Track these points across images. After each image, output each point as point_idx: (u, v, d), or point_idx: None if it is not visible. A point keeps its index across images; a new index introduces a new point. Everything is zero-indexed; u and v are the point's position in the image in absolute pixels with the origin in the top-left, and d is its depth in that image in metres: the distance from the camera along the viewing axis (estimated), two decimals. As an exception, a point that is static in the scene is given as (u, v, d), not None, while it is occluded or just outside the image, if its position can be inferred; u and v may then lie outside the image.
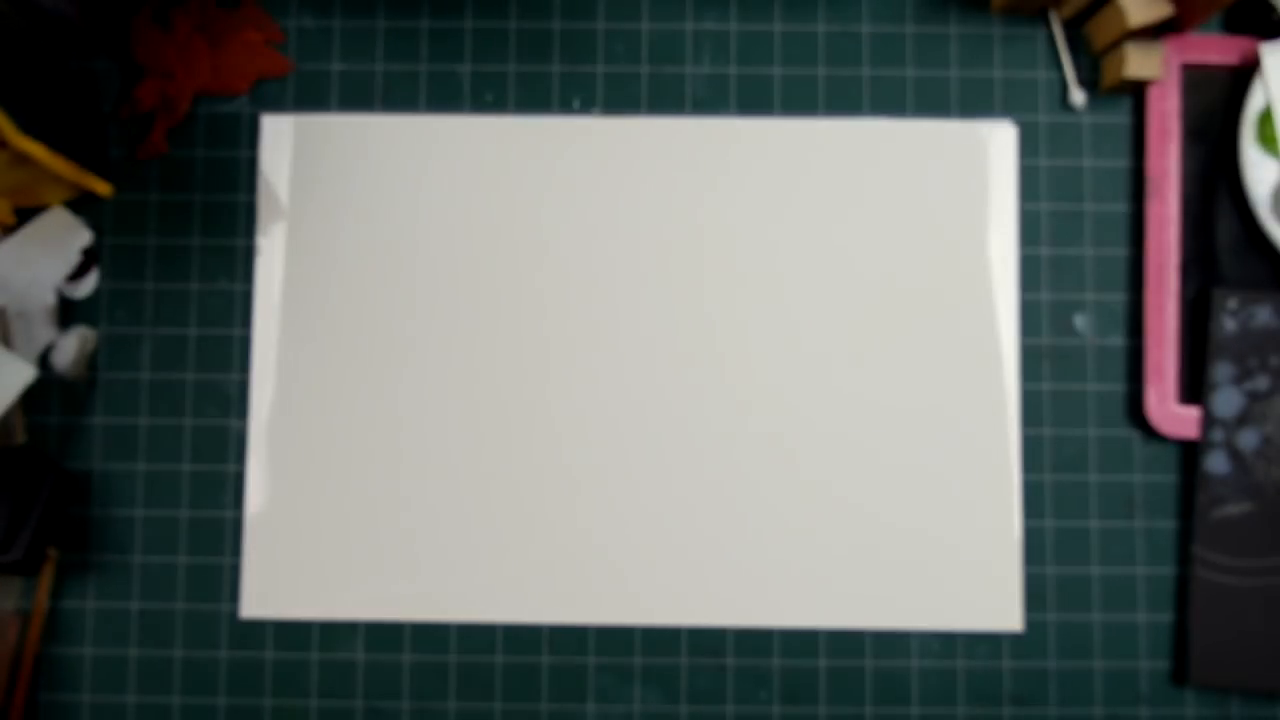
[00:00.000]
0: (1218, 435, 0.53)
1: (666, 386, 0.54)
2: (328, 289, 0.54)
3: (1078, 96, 0.55)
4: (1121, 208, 0.55)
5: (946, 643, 0.53)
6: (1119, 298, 0.55)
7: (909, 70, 0.55)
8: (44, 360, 0.54)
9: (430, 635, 0.54)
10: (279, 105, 0.56)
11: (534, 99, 0.56)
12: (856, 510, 0.53)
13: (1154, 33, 0.53)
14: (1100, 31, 0.54)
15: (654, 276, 0.54)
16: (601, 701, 0.53)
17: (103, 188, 0.54)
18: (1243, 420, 0.53)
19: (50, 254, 0.54)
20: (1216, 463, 0.53)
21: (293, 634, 0.54)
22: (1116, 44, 0.53)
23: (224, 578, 0.54)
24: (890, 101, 0.55)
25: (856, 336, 0.54)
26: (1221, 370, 0.53)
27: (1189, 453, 0.54)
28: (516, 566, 0.53)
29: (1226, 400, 0.53)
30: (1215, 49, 0.54)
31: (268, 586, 0.53)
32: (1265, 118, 0.53)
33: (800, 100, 0.55)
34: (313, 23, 0.56)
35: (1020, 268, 0.55)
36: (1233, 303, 0.53)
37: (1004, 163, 0.55)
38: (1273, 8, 0.54)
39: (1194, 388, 0.54)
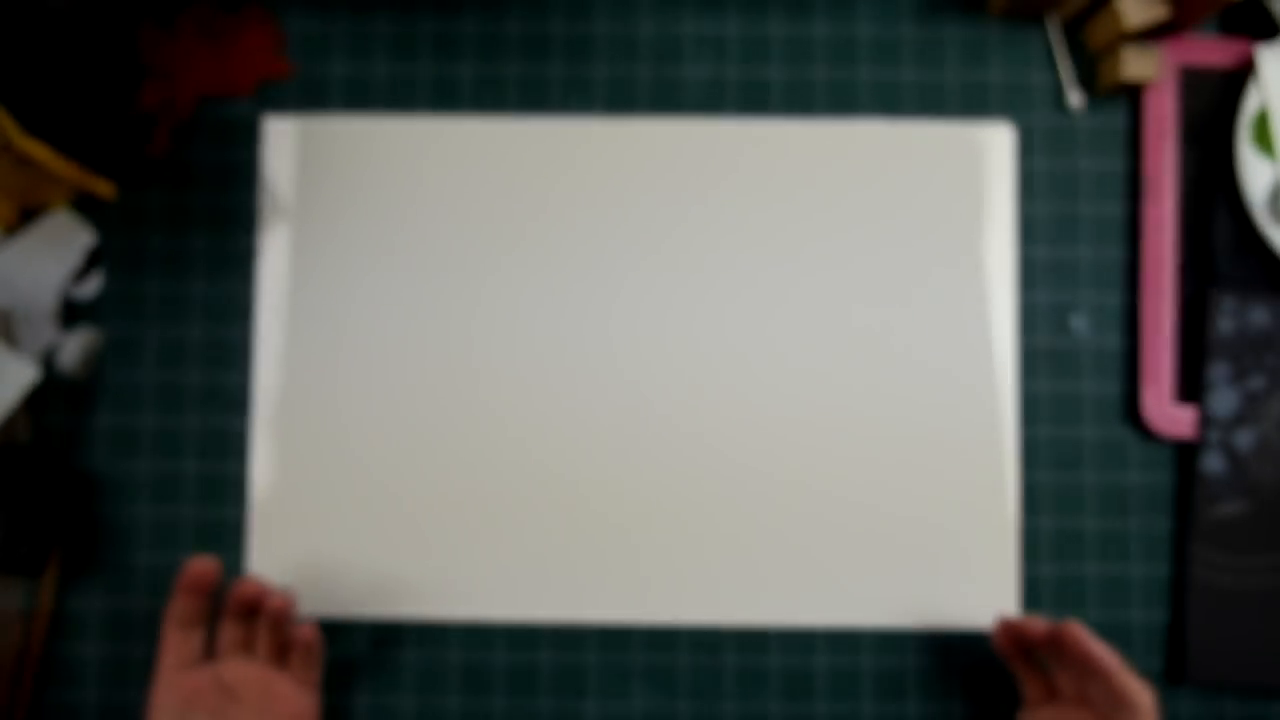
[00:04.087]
0: (1214, 435, 0.53)
1: (666, 386, 0.54)
2: (330, 290, 0.55)
3: (1075, 98, 0.55)
4: (1118, 209, 0.55)
5: (946, 642, 0.54)
6: (1116, 298, 0.55)
7: (907, 72, 0.56)
8: (48, 361, 0.54)
9: (430, 635, 0.54)
10: (282, 107, 0.56)
11: (534, 100, 0.56)
12: (855, 510, 0.54)
13: (1151, 35, 0.53)
14: (1097, 33, 0.54)
15: (654, 277, 0.55)
16: (601, 701, 0.54)
17: (106, 189, 0.54)
18: (1239, 420, 0.53)
19: (54, 255, 0.54)
20: (1213, 462, 0.53)
21: (295, 633, 0.54)
22: (1113, 46, 0.54)
23: (227, 577, 0.54)
24: (888, 103, 0.56)
25: (855, 337, 0.54)
26: (1218, 370, 0.53)
27: (1185, 452, 0.54)
28: (516, 566, 0.54)
29: (1223, 400, 0.53)
30: (1212, 51, 0.54)
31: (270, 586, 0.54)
32: (1261, 119, 0.53)
33: (799, 102, 0.56)
34: (315, 25, 0.56)
35: (1018, 269, 0.55)
36: (1229, 303, 0.53)
37: (1001, 164, 0.55)
38: (1268, 10, 0.54)
39: (1190, 388, 0.54)
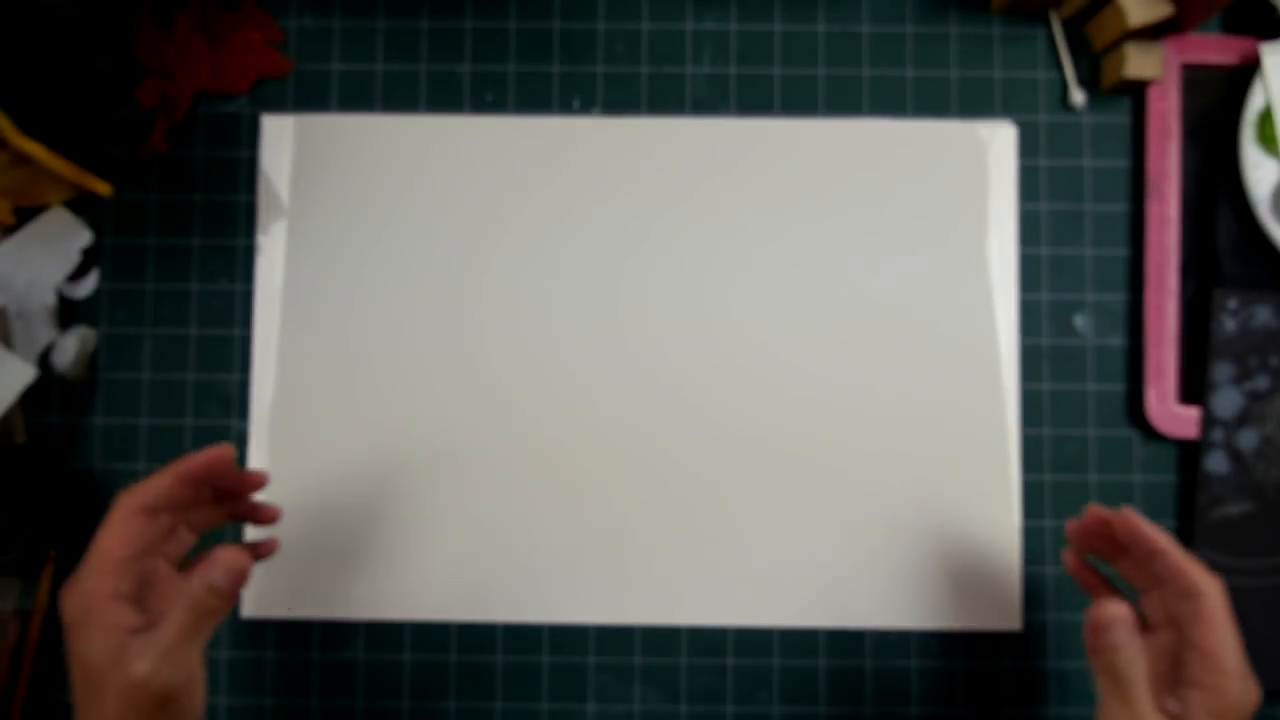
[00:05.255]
0: (1217, 435, 0.53)
1: (666, 386, 0.54)
2: (328, 289, 0.54)
3: (1078, 96, 0.55)
4: (1121, 208, 0.55)
5: (946, 643, 0.54)
6: (1119, 298, 0.55)
7: (909, 70, 0.55)
8: (44, 360, 0.54)
9: (430, 635, 0.54)
10: (279, 105, 0.56)
11: (534, 99, 0.56)
12: (856, 510, 0.53)
13: (1154, 33, 0.53)
14: (1100, 31, 0.54)
15: (654, 276, 0.54)
16: (601, 701, 0.53)
17: (103, 188, 0.54)
18: (1242, 420, 0.53)
19: (50, 254, 0.54)
20: (1216, 463, 0.53)
21: (293, 634, 0.54)
22: (1116, 44, 0.53)
23: (224, 578, 0.54)
24: (890, 102, 0.55)
25: (856, 336, 0.54)
26: (1221, 370, 0.53)
27: (1189, 453, 0.54)
28: (517, 566, 0.53)
29: (1226, 400, 0.53)
30: (1215, 49, 0.54)
31: (268, 586, 0.53)
32: (1265, 118, 0.53)
33: (800, 100, 0.55)
34: (313, 23, 0.56)
35: (1020, 268, 0.55)
36: (1233, 302, 0.53)
37: (1004, 163, 0.55)
38: (1273, 8, 0.54)
39: (1194, 388, 0.54)
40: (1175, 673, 0.40)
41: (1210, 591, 0.40)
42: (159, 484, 0.41)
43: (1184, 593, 0.40)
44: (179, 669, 0.39)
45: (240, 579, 0.41)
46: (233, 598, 0.41)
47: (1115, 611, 0.41)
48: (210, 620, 0.41)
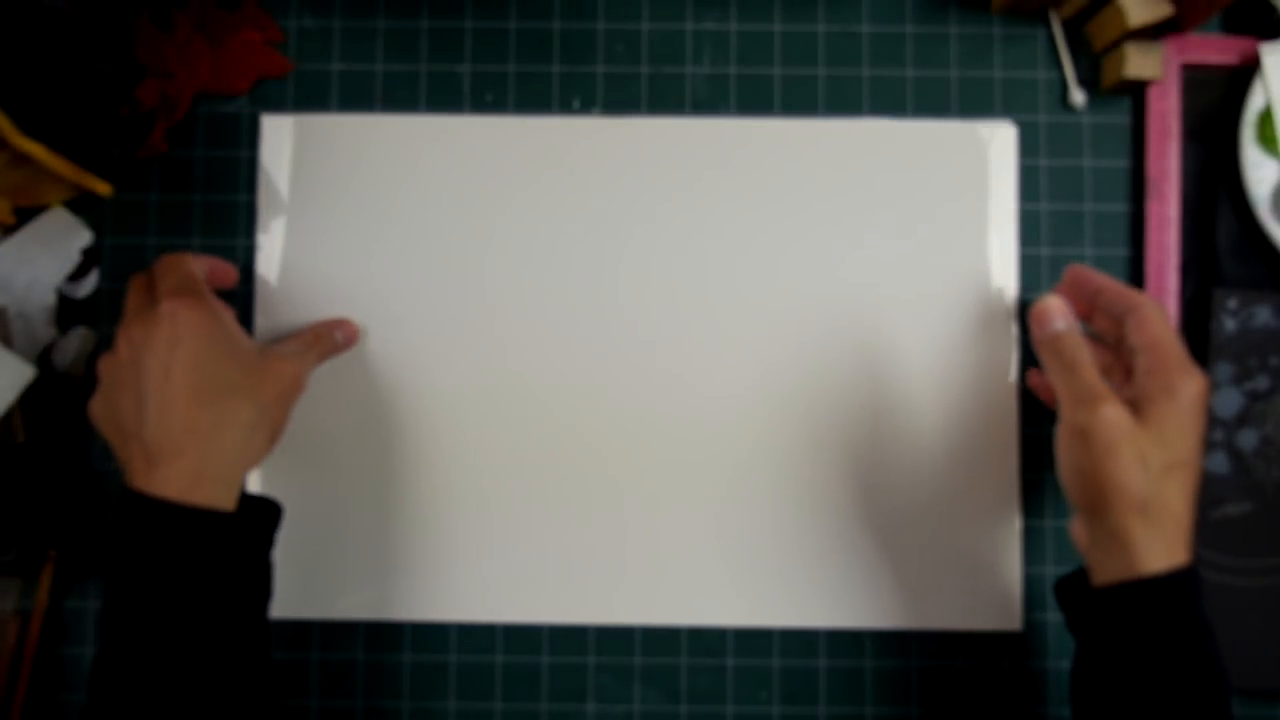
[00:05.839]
0: (1217, 435, 0.53)
1: (666, 386, 0.54)
2: (328, 289, 0.54)
3: (1078, 96, 0.55)
4: (1121, 208, 0.55)
5: (946, 643, 0.53)
6: (1119, 298, 0.55)
7: (909, 70, 0.55)
8: (44, 360, 0.54)
9: (430, 635, 0.54)
10: (279, 105, 0.56)
11: (534, 99, 0.56)
12: (856, 510, 0.53)
13: (1154, 33, 0.53)
14: (1100, 31, 0.54)
15: (654, 276, 0.54)
16: (601, 701, 0.53)
17: (103, 188, 0.54)
18: (1242, 420, 0.53)
19: (50, 254, 0.54)
20: (1216, 463, 0.53)
21: (293, 634, 0.54)
22: (1116, 44, 0.53)
23: (224, 577, 0.54)
24: (890, 101, 0.55)
25: (856, 336, 0.54)
26: (1221, 370, 0.53)
27: (1189, 453, 0.54)
28: (516, 566, 0.53)
29: (1226, 400, 0.53)
30: (1215, 49, 0.54)
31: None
32: (1265, 118, 0.53)
33: (800, 100, 0.55)
34: (313, 23, 0.56)
35: (1020, 268, 0.55)
36: (1232, 303, 0.53)
37: (1004, 163, 0.55)
38: (1273, 8, 0.54)
39: (1194, 388, 0.54)
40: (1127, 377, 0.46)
41: (1148, 302, 0.45)
42: (200, 263, 0.48)
43: (1127, 310, 0.46)
44: (308, 376, 0.49)
45: (350, 343, 0.53)
46: (337, 353, 0.53)
47: (1052, 301, 0.48)
48: (322, 355, 0.51)
